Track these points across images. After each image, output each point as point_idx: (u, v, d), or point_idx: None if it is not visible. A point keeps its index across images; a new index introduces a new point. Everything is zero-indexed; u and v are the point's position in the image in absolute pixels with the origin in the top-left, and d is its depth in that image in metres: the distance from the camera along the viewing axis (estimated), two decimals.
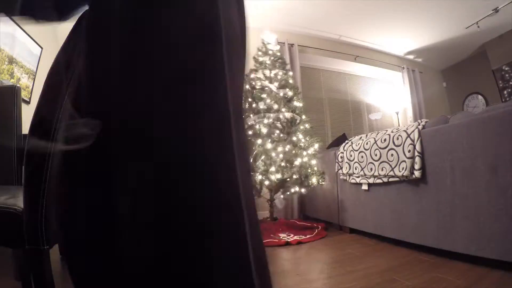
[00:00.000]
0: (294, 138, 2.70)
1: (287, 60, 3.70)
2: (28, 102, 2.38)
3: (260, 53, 3.02)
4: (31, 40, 2.43)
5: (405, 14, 3.66)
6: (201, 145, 0.31)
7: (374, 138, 2.05)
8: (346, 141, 2.49)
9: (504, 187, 1.24)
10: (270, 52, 3.01)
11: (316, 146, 2.70)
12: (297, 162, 2.61)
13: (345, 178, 2.39)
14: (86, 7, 0.41)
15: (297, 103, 2.82)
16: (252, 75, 2.92)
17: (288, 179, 2.62)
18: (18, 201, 0.64)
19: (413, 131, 1.71)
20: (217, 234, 0.30)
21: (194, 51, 0.33)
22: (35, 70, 2.49)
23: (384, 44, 4.47)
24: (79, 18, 0.69)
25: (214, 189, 0.31)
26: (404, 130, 1.79)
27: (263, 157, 2.54)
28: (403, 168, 1.73)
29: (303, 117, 2.79)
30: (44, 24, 0.52)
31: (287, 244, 2.05)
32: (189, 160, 0.30)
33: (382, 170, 1.91)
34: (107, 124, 0.30)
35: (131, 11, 0.32)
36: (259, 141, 2.62)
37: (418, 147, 1.66)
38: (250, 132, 2.68)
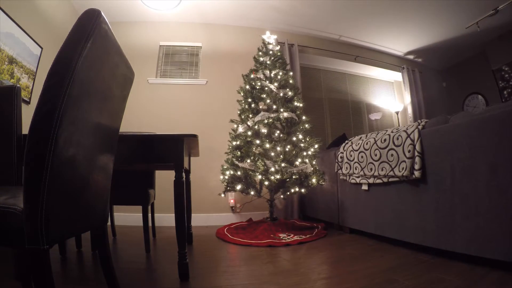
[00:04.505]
0: (294, 138, 2.70)
1: (287, 60, 3.70)
2: (28, 102, 2.38)
3: (260, 53, 3.02)
4: (31, 40, 2.43)
5: (405, 14, 3.66)
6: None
7: (374, 138, 2.04)
8: (346, 141, 2.49)
9: (504, 187, 1.24)
10: (270, 52, 3.01)
11: (316, 146, 2.69)
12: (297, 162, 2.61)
13: (345, 178, 2.39)
14: None
15: (297, 103, 2.82)
16: (252, 75, 2.92)
17: (288, 179, 2.61)
18: (18, 201, 0.64)
19: (413, 131, 1.71)
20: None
21: None
22: (35, 70, 2.49)
23: (384, 44, 4.47)
24: (79, 19, 0.70)
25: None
26: (404, 130, 1.79)
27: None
28: (403, 168, 1.73)
29: (304, 117, 2.79)
30: None
31: (287, 244, 2.05)
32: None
33: (382, 170, 1.91)
34: None
35: None
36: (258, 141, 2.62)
37: (418, 147, 1.66)
38: (249, 133, 2.68)
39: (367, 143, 2.10)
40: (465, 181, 1.42)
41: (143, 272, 1.49)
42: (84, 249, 1.87)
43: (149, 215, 2.18)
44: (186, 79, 3.66)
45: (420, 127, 1.71)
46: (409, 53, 4.73)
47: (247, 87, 2.88)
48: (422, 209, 1.66)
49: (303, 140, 2.72)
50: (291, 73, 3.01)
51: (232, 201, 3.25)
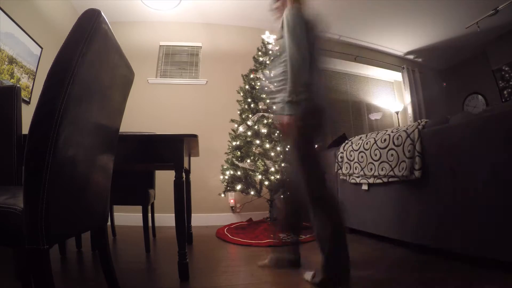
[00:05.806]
0: None
1: None
2: (28, 102, 2.38)
3: (260, 53, 3.02)
4: (31, 40, 2.43)
5: (405, 14, 3.66)
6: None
7: (374, 138, 2.04)
8: (346, 141, 2.49)
9: (504, 187, 1.24)
10: (270, 52, 3.01)
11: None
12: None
13: (345, 178, 2.39)
14: None
15: None
16: (252, 75, 2.92)
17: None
18: (18, 201, 0.64)
19: (413, 131, 1.71)
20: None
21: None
22: (35, 70, 2.49)
23: (384, 44, 4.46)
24: (79, 19, 0.70)
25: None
26: (404, 130, 1.79)
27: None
28: (403, 168, 1.73)
29: None
30: None
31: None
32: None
33: (382, 170, 1.91)
34: None
35: None
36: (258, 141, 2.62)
37: (418, 147, 1.66)
38: (249, 133, 2.68)
39: (367, 143, 2.10)
40: (465, 181, 1.41)
41: (143, 272, 1.49)
42: (84, 249, 1.87)
43: (149, 215, 2.18)
44: (186, 79, 3.66)
45: (420, 127, 1.71)
46: (409, 53, 4.73)
47: (247, 87, 2.88)
48: (422, 209, 1.66)
49: None
50: None
51: (232, 201, 3.25)
